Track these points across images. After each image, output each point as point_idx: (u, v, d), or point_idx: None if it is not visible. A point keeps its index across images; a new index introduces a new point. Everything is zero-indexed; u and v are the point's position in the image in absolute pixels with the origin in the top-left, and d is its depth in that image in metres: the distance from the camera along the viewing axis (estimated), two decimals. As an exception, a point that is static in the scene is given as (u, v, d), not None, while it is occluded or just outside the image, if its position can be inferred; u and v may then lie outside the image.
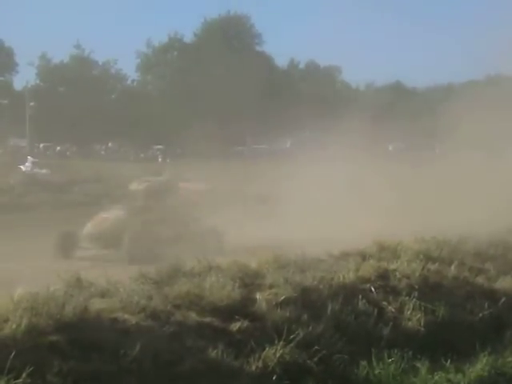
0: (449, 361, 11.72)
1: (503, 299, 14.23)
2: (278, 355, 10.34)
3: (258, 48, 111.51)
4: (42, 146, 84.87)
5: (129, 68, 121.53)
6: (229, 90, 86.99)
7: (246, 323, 10.88)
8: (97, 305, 10.14)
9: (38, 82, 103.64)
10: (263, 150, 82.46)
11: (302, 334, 10.85)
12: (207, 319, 10.76)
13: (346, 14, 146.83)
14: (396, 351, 11.55)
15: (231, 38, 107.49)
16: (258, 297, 11.67)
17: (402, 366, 11.40)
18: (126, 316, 10.05)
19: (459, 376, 11.47)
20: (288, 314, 11.36)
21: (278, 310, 11.42)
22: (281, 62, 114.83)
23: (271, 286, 12.15)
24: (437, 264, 14.76)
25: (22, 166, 61.07)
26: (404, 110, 70.07)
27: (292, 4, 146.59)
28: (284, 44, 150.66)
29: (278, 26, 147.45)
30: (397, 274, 13.83)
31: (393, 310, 12.84)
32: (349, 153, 39.26)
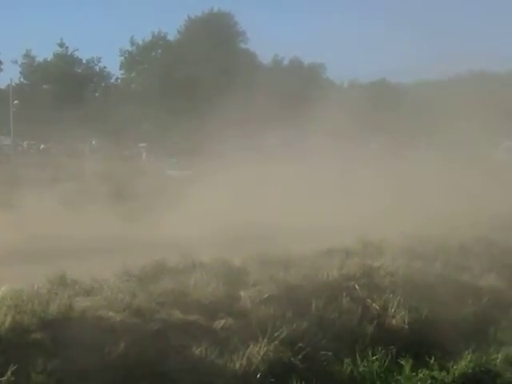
0: (433, 358, 11.76)
1: (487, 297, 14.27)
2: (262, 353, 10.35)
3: (242, 45, 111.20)
4: (25, 143, 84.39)
5: (113, 66, 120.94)
6: (213, 87, 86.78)
7: (230, 321, 10.87)
8: (81, 303, 10.12)
9: (21, 80, 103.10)
10: (247, 147, 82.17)
11: (286, 332, 10.85)
12: (192, 317, 10.74)
13: (330, 10, 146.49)
14: (380, 349, 11.59)
15: (215, 35, 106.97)
16: (242, 294, 11.66)
17: (386, 363, 11.44)
18: (111, 314, 10.03)
19: (443, 373, 11.51)
20: (272, 312, 11.35)
21: (262, 308, 11.41)
22: (264, 58, 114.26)
23: (255, 284, 12.14)
24: (421, 261, 14.78)
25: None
26: (388, 106, 70.06)
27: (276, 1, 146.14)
28: (268, 40, 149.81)
29: (261, 22, 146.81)
30: (381, 271, 13.82)
31: (377, 307, 12.83)
32: (330, 150, 39.01)
